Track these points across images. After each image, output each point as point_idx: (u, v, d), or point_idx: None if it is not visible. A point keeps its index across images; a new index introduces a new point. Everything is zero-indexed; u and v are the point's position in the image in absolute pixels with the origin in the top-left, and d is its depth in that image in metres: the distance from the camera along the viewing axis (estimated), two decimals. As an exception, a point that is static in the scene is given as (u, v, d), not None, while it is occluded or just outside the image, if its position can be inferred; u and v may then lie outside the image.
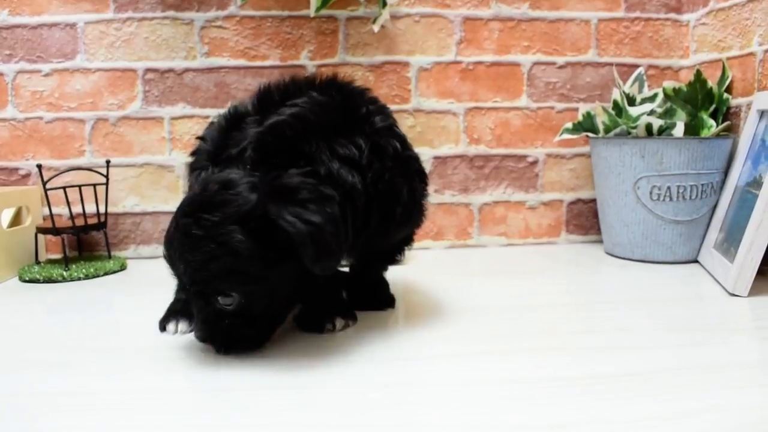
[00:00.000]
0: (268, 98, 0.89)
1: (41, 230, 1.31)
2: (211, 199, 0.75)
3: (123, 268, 1.34)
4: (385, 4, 1.34)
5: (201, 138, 0.96)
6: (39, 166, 1.28)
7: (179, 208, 0.78)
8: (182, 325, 0.90)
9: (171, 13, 1.41)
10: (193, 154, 0.98)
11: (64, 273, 1.25)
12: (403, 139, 0.91)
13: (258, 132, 0.82)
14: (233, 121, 0.90)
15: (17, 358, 0.83)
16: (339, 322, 0.91)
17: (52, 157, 1.42)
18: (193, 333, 0.83)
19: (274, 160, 0.79)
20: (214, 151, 0.90)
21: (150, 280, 1.25)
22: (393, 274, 1.14)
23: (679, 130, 1.26)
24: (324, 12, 1.32)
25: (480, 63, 1.47)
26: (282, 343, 0.86)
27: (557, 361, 0.77)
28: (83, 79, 1.41)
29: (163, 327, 0.91)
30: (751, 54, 1.28)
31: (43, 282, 1.24)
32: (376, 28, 1.36)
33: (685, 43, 1.52)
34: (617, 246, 1.36)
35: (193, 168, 0.97)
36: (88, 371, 0.77)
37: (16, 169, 1.43)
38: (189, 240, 0.74)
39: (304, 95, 0.86)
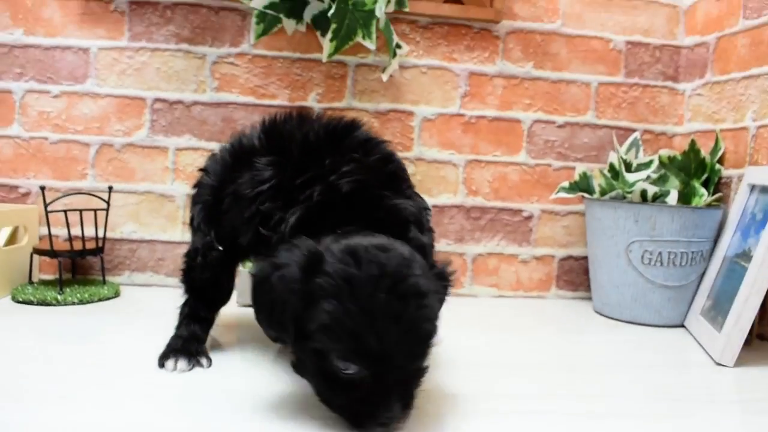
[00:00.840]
0: (275, 133, 0.90)
1: (38, 251, 1.31)
2: (407, 261, 0.70)
3: (117, 294, 1.34)
4: (395, 55, 1.38)
5: (204, 170, 0.97)
6: (42, 188, 1.28)
7: (379, 278, 0.67)
8: (181, 364, 0.90)
9: (184, 46, 1.43)
10: (195, 186, 0.99)
11: (59, 297, 1.24)
12: None
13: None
14: (238, 155, 0.91)
15: (7, 384, 0.82)
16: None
17: (53, 178, 1.43)
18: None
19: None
20: (218, 185, 0.92)
21: (143, 308, 1.26)
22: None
23: (672, 198, 1.29)
24: (334, 57, 1.35)
25: (482, 117, 1.51)
26: (279, 381, 0.86)
27: (543, 427, 0.79)
28: (92, 103, 1.43)
29: (162, 364, 0.91)
30: (744, 128, 1.33)
31: (36, 304, 1.24)
32: (384, 77, 1.39)
33: (680, 111, 1.56)
34: (606, 306, 1.39)
35: (195, 201, 0.99)
36: (81, 404, 0.77)
37: (17, 187, 1.43)
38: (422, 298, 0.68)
39: (324, 143, 0.86)
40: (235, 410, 0.78)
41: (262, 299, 0.74)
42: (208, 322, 0.99)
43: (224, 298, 1.01)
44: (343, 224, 0.76)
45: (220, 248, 0.94)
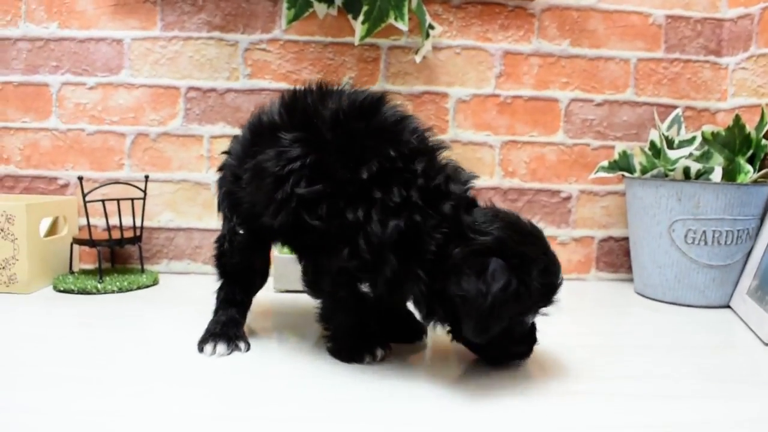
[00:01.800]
0: (298, 108, 0.88)
1: (78, 241, 1.33)
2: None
3: (155, 282, 1.36)
4: (428, 36, 1.36)
5: (227, 152, 0.98)
6: (80, 178, 1.30)
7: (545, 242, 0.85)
8: (220, 348, 0.91)
9: (216, 33, 1.43)
10: (220, 169, 1.00)
11: (99, 285, 1.26)
12: None
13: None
14: (258, 131, 0.91)
15: (51, 371, 0.83)
16: (379, 353, 0.91)
17: (91, 169, 1.45)
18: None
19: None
20: (238, 164, 0.92)
21: (182, 296, 1.26)
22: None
23: (717, 174, 1.25)
24: (367, 40, 1.33)
25: (518, 97, 1.48)
26: (315, 374, 0.86)
27: (588, 408, 0.77)
28: (126, 93, 1.44)
29: (201, 348, 0.92)
30: (793, 102, 1.28)
31: (77, 293, 1.25)
32: (418, 58, 1.37)
33: (724, 86, 1.52)
34: (649, 287, 1.35)
35: (219, 185, 1.00)
36: (122, 389, 0.78)
37: (56, 179, 1.45)
38: None
39: (354, 120, 0.84)
40: (274, 395, 0.78)
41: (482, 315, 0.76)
42: (244, 305, 1.00)
43: (259, 281, 1.02)
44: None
45: (241, 231, 0.95)
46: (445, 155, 0.87)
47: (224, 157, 1.00)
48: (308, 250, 0.90)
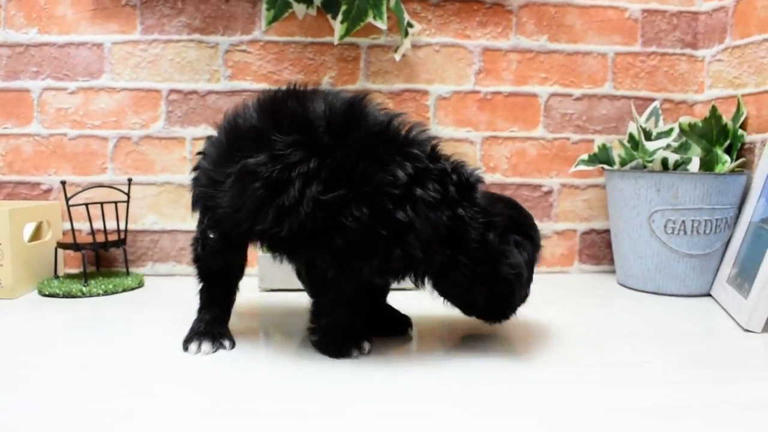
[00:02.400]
0: (281, 112, 0.87)
1: (62, 245, 1.33)
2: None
3: (141, 285, 1.36)
4: (406, 34, 1.37)
5: (201, 153, 0.97)
6: (63, 183, 1.30)
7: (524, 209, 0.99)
8: (205, 346, 0.92)
9: (196, 36, 1.44)
10: (194, 170, 0.99)
11: (84, 289, 1.26)
12: None
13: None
14: (237, 136, 0.89)
15: (37, 374, 0.84)
16: (366, 346, 0.92)
17: (74, 174, 1.45)
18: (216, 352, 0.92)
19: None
20: (214, 168, 0.90)
21: (167, 297, 1.27)
22: (404, 300, 1.15)
23: (694, 165, 1.27)
24: (346, 39, 1.34)
25: (498, 93, 1.49)
26: (301, 370, 0.87)
27: (571, 395, 0.78)
28: (108, 97, 1.44)
29: (186, 347, 0.92)
30: (767, 92, 1.30)
31: (62, 297, 1.25)
32: (397, 56, 1.39)
33: (700, 79, 1.54)
34: (630, 277, 1.37)
35: (194, 185, 0.98)
36: (108, 390, 0.78)
37: (38, 184, 1.45)
38: None
39: (345, 124, 0.86)
40: (260, 391, 0.79)
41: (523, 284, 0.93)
42: (228, 303, 1.00)
43: (238, 278, 1.01)
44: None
45: (212, 236, 0.94)
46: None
47: (199, 157, 0.99)
48: (327, 252, 0.85)
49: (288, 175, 0.82)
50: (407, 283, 0.93)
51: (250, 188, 0.84)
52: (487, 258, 0.88)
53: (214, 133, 0.96)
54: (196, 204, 0.98)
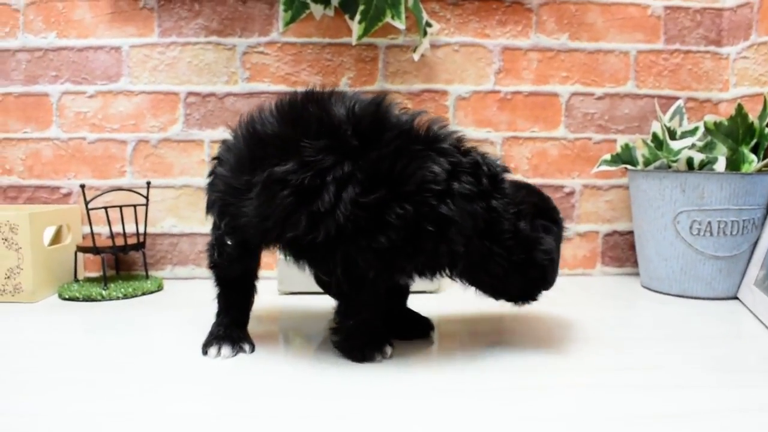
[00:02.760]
0: (306, 117, 0.86)
1: (82, 249, 1.33)
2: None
3: (160, 288, 1.36)
4: (425, 33, 1.35)
5: (217, 159, 0.95)
6: (82, 186, 1.30)
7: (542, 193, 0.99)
8: (225, 350, 0.91)
9: (214, 38, 1.43)
10: (210, 175, 0.97)
11: (103, 292, 1.26)
12: None
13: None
14: (257, 142, 0.87)
15: (58, 376, 0.84)
16: (389, 350, 0.92)
17: (93, 177, 1.45)
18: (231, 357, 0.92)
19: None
20: (234, 176, 0.88)
21: (186, 301, 1.26)
22: (424, 302, 1.14)
23: (720, 164, 1.25)
24: (364, 40, 1.33)
25: (518, 92, 1.47)
26: (322, 374, 0.86)
27: (601, 399, 0.77)
28: (126, 101, 1.44)
29: (205, 351, 0.92)
30: (795, 89, 1.27)
31: (82, 300, 1.25)
32: (416, 56, 1.37)
33: (725, 76, 1.51)
34: (655, 280, 1.34)
35: (210, 190, 0.96)
36: (129, 393, 0.78)
37: (58, 188, 1.46)
38: None
39: (373, 127, 0.85)
40: (280, 394, 0.78)
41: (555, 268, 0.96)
42: (246, 307, 0.99)
43: (256, 280, 1.00)
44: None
45: (229, 242, 0.93)
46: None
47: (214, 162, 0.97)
48: (370, 252, 0.84)
49: (321, 180, 0.81)
50: (426, 285, 0.92)
51: (278, 196, 0.83)
52: (521, 246, 0.90)
53: (228, 137, 0.95)
54: (211, 209, 0.96)
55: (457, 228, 0.83)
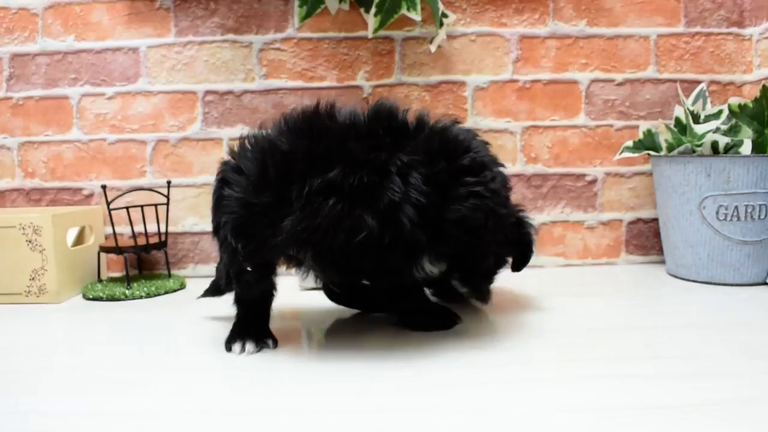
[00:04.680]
0: (328, 130, 0.86)
1: (104, 249, 1.34)
2: None
3: (183, 287, 1.36)
4: (441, 24, 1.34)
5: (223, 181, 0.90)
6: (104, 187, 1.31)
7: None
8: (249, 346, 0.91)
9: (230, 36, 1.43)
10: (221, 192, 0.90)
11: (127, 292, 1.27)
12: None
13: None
14: (285, 161, 0.84)
15: (84, 376, 0.84)
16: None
17: (114, 178, 1.46)
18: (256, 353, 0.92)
19: None
20: (256, 192, 0.85)
21: (209, 299, 1.26)
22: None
23: (746, 147, 1.22)
24: (380, 33, 1.33)
25: (537, 81, 1.46)
26: (349, 365, 0.85)
27: (630, 389, 0.75)
28: (145, 101, 1.45)
29: (229, 347, 0.91)
30: (821, 69, 1.24)
31: (106, 300, 1.26)
32: (432, 48, 1.36)
33: (748, 58, 1.48)
34: (681, 267, 1.32)
35: (219, 212, 0.90)
36: (154, 392, 0.78)
37: (80, 189, 1.47)
38: None
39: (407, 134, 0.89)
40: (304, 391, 0.77)
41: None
42: (268, 305, 0.97)
43: (275, 291, 0.98)
44: None
45: (249, 268, 0.90)
46: None
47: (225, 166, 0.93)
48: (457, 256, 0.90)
49: (379, 176, 0.82)
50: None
51: (324, 206, 0.81)
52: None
53: (227, 158, 0.94)
54: (222, 230, 0.90)
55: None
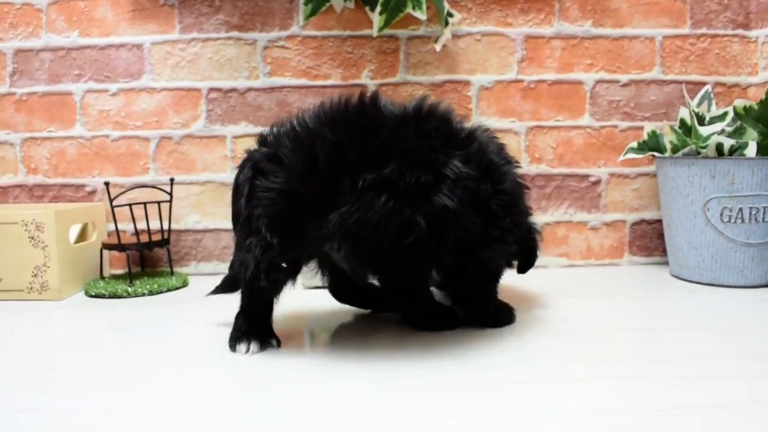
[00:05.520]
0: (380, 122, 0.85)
1: (107, 246, 1.34)
2: None
3: (185, 284, 1.36)
4: (446, 24, 1.34)
5: (257, 171, 0.85)
6: (106, 184, 1.30)
7: None
8: (254, 346, 0.90)
9: (234, 33, 1.43)
10: (257, 171, 0.85)
11: (129, 289, 1.27)
12: None
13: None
14: (328, 150, 0.82)
15: (86, 374, 0.84)
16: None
17: (117, 175, 1.46)
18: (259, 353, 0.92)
19: None
20: (301, 184, 0.82)
21: (212, 297, 1.26)
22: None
23: (751, 150, 1.22)
24: (385, 31, 1.32)
25: (542, 81, 1.45)
26: (353, 365, 0.85)
27: (634, 391, 0.75)
28: (149, 98, 1.44)
29: (233, 347, 0.91)
30: (828, 71, 1.24)
31: (108, 297, 1.26)
32: (437, 47, 1.36)
33: (754, 60, 1.47)
34: (685, 269, 1.32)
35: (253, 205, 0.85)
36: (156, 390, 0.78)
37: (83, 186, 1.46)
38: None
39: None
40: (308, 391, 0.77)
41: None
42: (271, 304, 0.96)
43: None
44: None
45: (284, 264, 0.87)
46: None
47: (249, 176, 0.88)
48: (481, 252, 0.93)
49: (435, 175, 0.82)
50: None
51: (376, 203, 0.79)
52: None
53: (257, 130, 0.93)
54: (255, 223, 0.84)
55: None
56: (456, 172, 0.82)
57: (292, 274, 0.91)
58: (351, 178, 0.79)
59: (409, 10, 1.26)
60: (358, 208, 0.79)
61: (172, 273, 1.39)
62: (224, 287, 1.06)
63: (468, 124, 0.94)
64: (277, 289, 0.91)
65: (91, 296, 1.28)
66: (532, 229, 1.09)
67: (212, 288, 1.08)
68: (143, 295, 1.27)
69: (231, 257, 0.96)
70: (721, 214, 1.23)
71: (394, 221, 0.79)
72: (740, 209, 1.22)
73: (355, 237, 0.81)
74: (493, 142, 0.97)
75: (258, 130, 1.43)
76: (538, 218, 1.47)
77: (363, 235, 0.80)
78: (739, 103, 1.29)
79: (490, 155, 0.92)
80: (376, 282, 1.04)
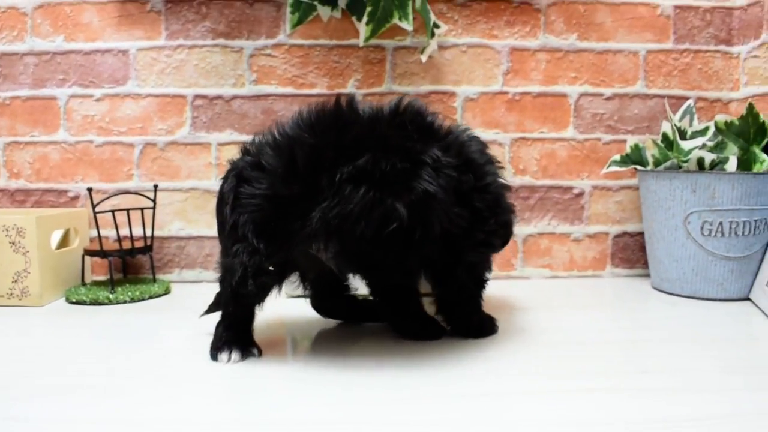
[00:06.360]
0: (354, 121, 0.86)
1: (89, 252, 1.33)
2: None
3: (167, 291, 1.35)
4: (433, 35, 1.35)
5: (240, 179, 0.87)
6: (89, 189, 1.30)
7: None
8: (235, 355, 0.90)
9: (221, 41, 1.43)
10: (240, 179, 0.86)
11: (111, 296, 1.26)
12: None
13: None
14: (307, 152, 0.83)
15: (65, 381, 0.83)
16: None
17: (100, 181, 1.45)
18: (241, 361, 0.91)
19: None
20: (282, 186, 0.83)
21: (194, 304, 1.25)
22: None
23: (732, 164, 1.23)
24: (372, 41, 1.33)
25: (527, 93, 1.46)
26: (333, 375, 0.85)
27: (616, 403, 0.75)
28: (133, 104, 1.44)
29: (215, 356, 0.91)
30: (807, 88, 1.26)
31: (89, 304, 1.25)
32: (423, 58, 1.36)
33: (735, 76, 1.49)
34: (666, 281, 1.33)
35: (237, 212, 0.86)
36: (137, 399, 0.77)
37: (65, 191, 1.45)
38: None
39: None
40: (290, 401, 0.77)
41: None
42: (253, 312, 0.96)
43: None
44: None
45: (271, 268, 0.86)
46: None
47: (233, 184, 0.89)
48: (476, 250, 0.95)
49: (412, 163, 0.81)
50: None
51: (355, 195, 0.79)
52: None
53: (243, 138, 0.93)
54: (240, 229, 0.85)
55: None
56: (435, 158, 0.82)
57: (279, 279, 0.92)
58: (329, 174, 0.80)
59: (395, 20, 1.27)
60: (338, 202, 0.79)
61: (154, 280, 1.38)
62: (218, 305, 1.03)
63: (447, 123, 0.93)
64: (263, 294, 0.90)
65: (72, 303, 1.27)
66: (506, 210, 1.02)
67: (205, 308, 1.06)
68: (125, 302, 1.26)
69: (219, 274, 0.93)
70: (702, 228, 1.25)
71: (375, 211, 0.79)
72: (720, 223, 1.23)
73: (338, 232, 0.81)
74: (475, 141, 0.95)
75: (243, 137, 1.43)
76: (522, 229, 1.48)
77: (345, 229, 0.80)
78: (721, 118, 1.30)
79: (469, 151, 0.91)
80: (365, 286, 1.04)
